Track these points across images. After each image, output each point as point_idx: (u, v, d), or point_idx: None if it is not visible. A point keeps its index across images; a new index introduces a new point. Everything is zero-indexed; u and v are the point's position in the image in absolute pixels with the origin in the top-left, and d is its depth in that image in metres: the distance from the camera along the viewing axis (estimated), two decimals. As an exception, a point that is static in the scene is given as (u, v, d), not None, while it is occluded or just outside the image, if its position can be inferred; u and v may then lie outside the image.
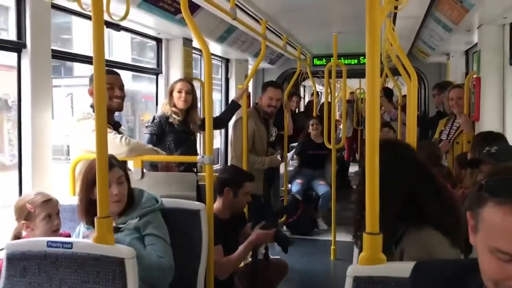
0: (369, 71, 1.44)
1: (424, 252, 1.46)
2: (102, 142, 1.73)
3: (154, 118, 3.55)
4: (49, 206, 2.19)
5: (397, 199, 1.58)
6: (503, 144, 2.49)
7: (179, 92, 3.53)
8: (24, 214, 2.16)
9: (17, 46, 2.65)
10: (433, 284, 1.07)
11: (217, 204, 2.97)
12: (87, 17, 3.07)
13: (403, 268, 1.25)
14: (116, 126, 2.86)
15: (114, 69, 3.07)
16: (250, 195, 3.07)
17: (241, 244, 3.10)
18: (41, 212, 2.16)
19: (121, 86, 2.86)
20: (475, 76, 4.01)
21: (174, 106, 3.53)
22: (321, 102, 8.34)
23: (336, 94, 8.70)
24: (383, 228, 1.57)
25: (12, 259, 1.81)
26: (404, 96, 5.87)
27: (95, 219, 1.73)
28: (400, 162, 1.64)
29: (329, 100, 6.34)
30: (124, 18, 2.24)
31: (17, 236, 2.23)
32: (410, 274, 1.14)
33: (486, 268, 0.90)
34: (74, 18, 3.41)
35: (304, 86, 11.56)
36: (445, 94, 4.21)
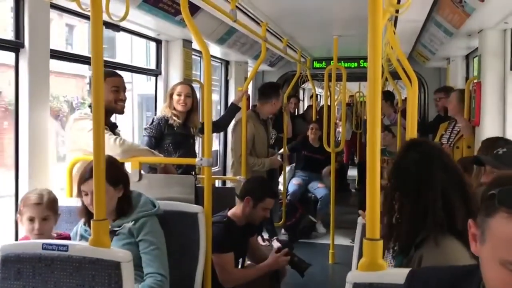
0: (370, 74, 1.43)
1: (443, 262, 1.41)
2: (99, 144, 1.71)
3: (153, 120, 3.54)
4: (33, 210, 2.16)
5: (428, 198, 1.54)
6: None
7: (179, 95, 3.52)
8: (19, 208, 2.20)
9: (15, 46, 2.62)
10: None
11: (236, 209, 2.97)
12: (87, 17, 3.06)
13: (403, 275, 1.22)
14: (112, 128, 2.84)
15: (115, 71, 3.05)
16: (269, 211, 3.08)
17: (248, 252, 3.12)
18: (25, 212, 2.17)
19: (125, 89, 2.87)
20: (475, 81, 4.00)
21: (174, 109, 3.52)
22: (321, 105, 8.32)
23: (336, 97, 8.70)
24: (408, 228, 1.55)
25: (6, 261, 1.79)
26: (404, 100, 5.86)
27: (91, 222, 1.71)
28: (431, 161, 1.60)
29: (329, 103, 6.34)
30: (123, 18, 2.22)
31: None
32: (404, 281, 1.13)
33: (494, 279, 0.87)
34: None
35: (304, 89, 11.54)
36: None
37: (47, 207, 2.19)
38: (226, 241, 2.77)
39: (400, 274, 1.33)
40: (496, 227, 0.86)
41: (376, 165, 1.42)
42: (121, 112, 2.86)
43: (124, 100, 2.84)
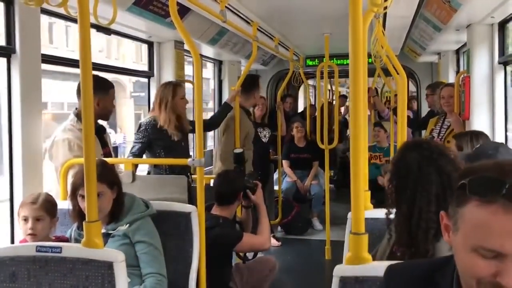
0: (352, 74, 1.46)
1: None
2: (89, 148, 1.74)
3: (140, 126, 3.47)
4: (27, 209, 2.19)
5: (422, 201, 1.61)
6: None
7: (183, 98, 3.48)
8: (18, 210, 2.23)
9: (6, 52, 2.64)
10: (405, 284, 1.08)
11: (229, 212, 2.95)
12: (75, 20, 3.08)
13: (387, 268, 1.26)
14: (100, 131, 2.86)
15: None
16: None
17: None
18: (20, 212, 2.20)
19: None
20: (465, 75, 4.04)
21: (178, 114, 3.44)
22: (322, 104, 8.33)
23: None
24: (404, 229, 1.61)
25: (1, 264, 1.82)
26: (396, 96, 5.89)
27: (84, 224, 1.74)
28: (429, 164, 1.65)
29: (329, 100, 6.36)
30: (111, 22, 2.25)
31: None
32: (383, 277, 1.16)
33: (469, 267, 0.90)
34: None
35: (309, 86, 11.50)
36: (437, 94, 4.24)
37: (41, 208, 2.21)
38: (234, 230, 2.91)
39: (385, 267, 1.37)
40: (468, 215, 0.89)
41: (359, 161, 1.46)
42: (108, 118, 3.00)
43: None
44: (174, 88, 3.47)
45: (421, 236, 1.55)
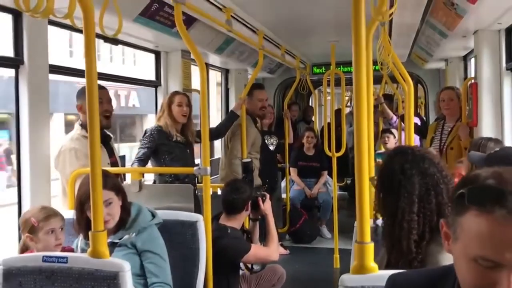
0: (355, 81, 1.46)
1: None
2: (95, 158, 1.75)
3: (145, 132, 3.52)
4: (53, 221, 2.21)
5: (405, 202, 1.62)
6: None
7: (179, 105, 3.49)
8: (28, 228, 2.20)
9: (14, 63, 2.68)
10: None
11: (237, 222, 2.95)
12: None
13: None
14: (106, 139, 2.86)
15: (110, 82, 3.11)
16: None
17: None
18: (44, 226, 2.19)
19: (109, 100, 2.91)
20: (472, 81, 4.01)
21: (174, 120, 3.49)
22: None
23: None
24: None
25: (8, 275, 1.83)
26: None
27: (90, 233, 1.75)
28: (412, 168, 1.66)
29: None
30: (117, 33, 2.27)
31: (24, 248, 2.26)
32: (385, 286, 1.15)
33: (468, 276, 0.90)
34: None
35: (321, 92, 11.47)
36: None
37: (62, 218, 2.26)
38: (242, 242, 2.89)
39: (391, 276, 1.35)
40: (467, 224, 0.89)
41: (364, 169, 1.45)
42: (106, 126, 2.89)
43: (109, 112, 2.89)
44: (171, 96, 3.61)
45: (404, 237, 1.57)
